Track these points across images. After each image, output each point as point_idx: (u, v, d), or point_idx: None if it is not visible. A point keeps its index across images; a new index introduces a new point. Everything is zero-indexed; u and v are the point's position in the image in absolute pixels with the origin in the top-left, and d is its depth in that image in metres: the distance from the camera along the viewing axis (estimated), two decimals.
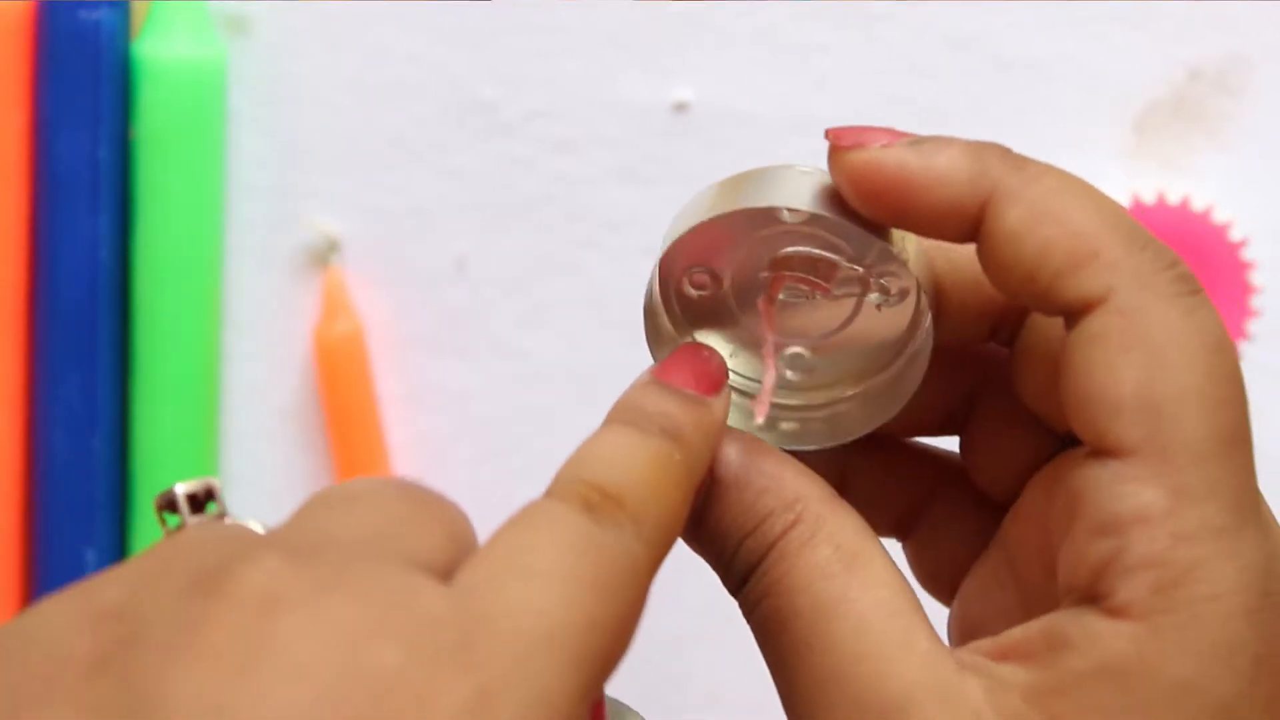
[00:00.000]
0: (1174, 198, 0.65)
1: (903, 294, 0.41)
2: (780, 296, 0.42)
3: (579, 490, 0.36)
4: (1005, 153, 0.41)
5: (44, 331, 0.65)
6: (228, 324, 0.67)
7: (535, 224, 0.67)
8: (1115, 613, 0.39)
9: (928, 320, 0.41)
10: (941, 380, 0.43)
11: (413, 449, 0.67)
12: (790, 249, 0.42)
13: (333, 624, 0.31)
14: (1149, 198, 0.65)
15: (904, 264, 0.40)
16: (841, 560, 0.39)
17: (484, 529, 0.71)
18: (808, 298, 0.42)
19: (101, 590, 0.32)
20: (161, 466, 0.65)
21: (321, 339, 0.67)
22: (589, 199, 0.67)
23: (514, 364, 0.67)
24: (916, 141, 0.41)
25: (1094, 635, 0.38)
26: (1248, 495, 0.40)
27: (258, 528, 0.36)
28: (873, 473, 0.44)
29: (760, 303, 0.42)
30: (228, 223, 0.66)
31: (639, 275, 0.67)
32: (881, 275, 0.41)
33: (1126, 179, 0.67)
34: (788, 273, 0.42)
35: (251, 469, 0.68)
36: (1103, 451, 0.39)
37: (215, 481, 0.38)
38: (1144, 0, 0.67)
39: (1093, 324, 0.39)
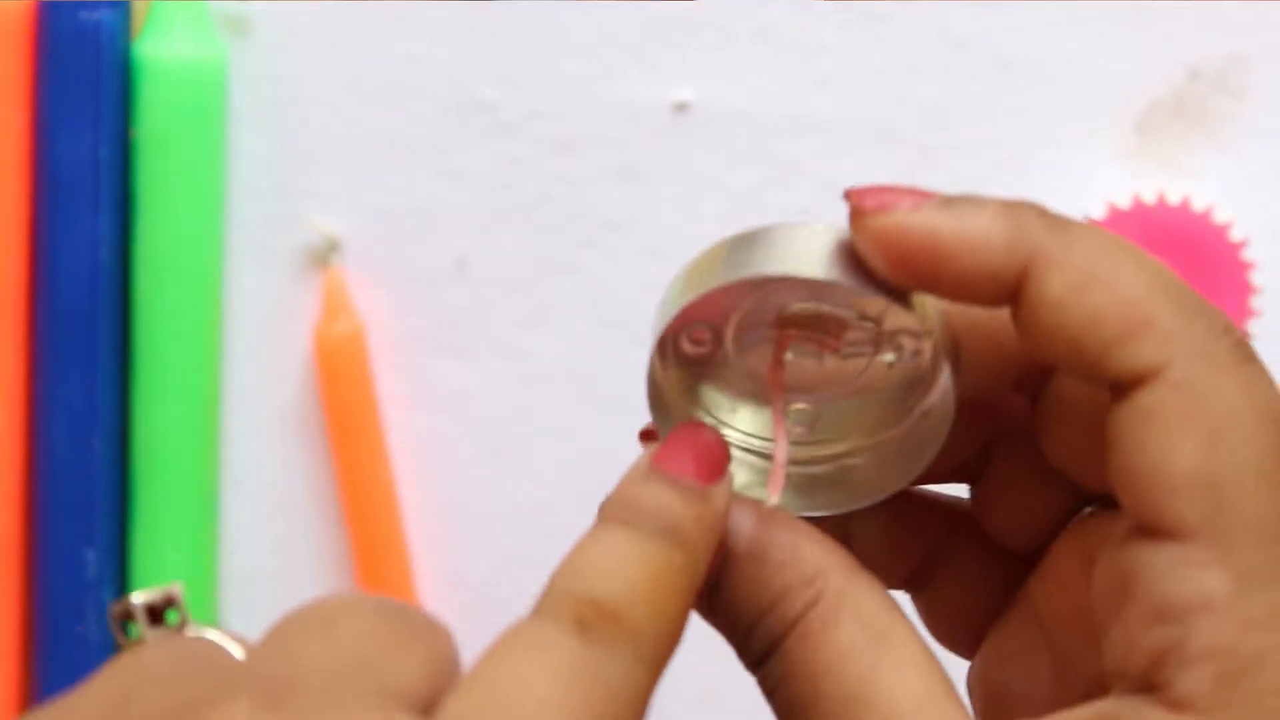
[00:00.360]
0: (1174, 198, 0.65)
1: (917, 354, 0.39)
2: (787, 355, 0.39)
3: (573, 608, 0.34)
4: (1043, 212, 0.39)
5: (44, 331, 0.65)
6: (228, 324, 0.67)
7: (535, 224, 0.67)
8: (1176, 706, 0.37)
9: (947, 378, 0.38)
10: (958, 429, 0.40)
11: (413, 449, 0.67)
12: (799, 306, 0.39)
13: None
14: (1149, 198, 0.65)
15: (928, 332, 0.38)
16: (868, 641, 0.37)
17: (484, 531, 0.71)
18: (816, 356, 0.40)
19: None
20: (161, 466, 0.65)
21: (321, 339, 0.67)
22: (589, 199, 0.67)
23: (514, 364, 0.67)
24: (947, 203, 0.38)
25: None
26: None
27: (226, 644, 0.34)
28: (880, 524, 0.42)
29: (768, 367, 0.39)
30: (228, 223, 0.66)
31: (639, 275, 0.67)
32: (896, 336, 0.39)
33: (1126, 179, 0.67)
34: (795, 330, 0.39)
35: (251, 469, 0.68)
36: (1158, 531, 0.37)
37: (176, 589, 0.36)
38: (1144, 0, 0.67)
39: (1148, 398, 0.37)
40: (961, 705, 0.37)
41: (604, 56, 0.67)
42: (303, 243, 0.67)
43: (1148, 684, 0.37)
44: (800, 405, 0.40)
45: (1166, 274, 0.38)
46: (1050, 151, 0.67)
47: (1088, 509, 0.41)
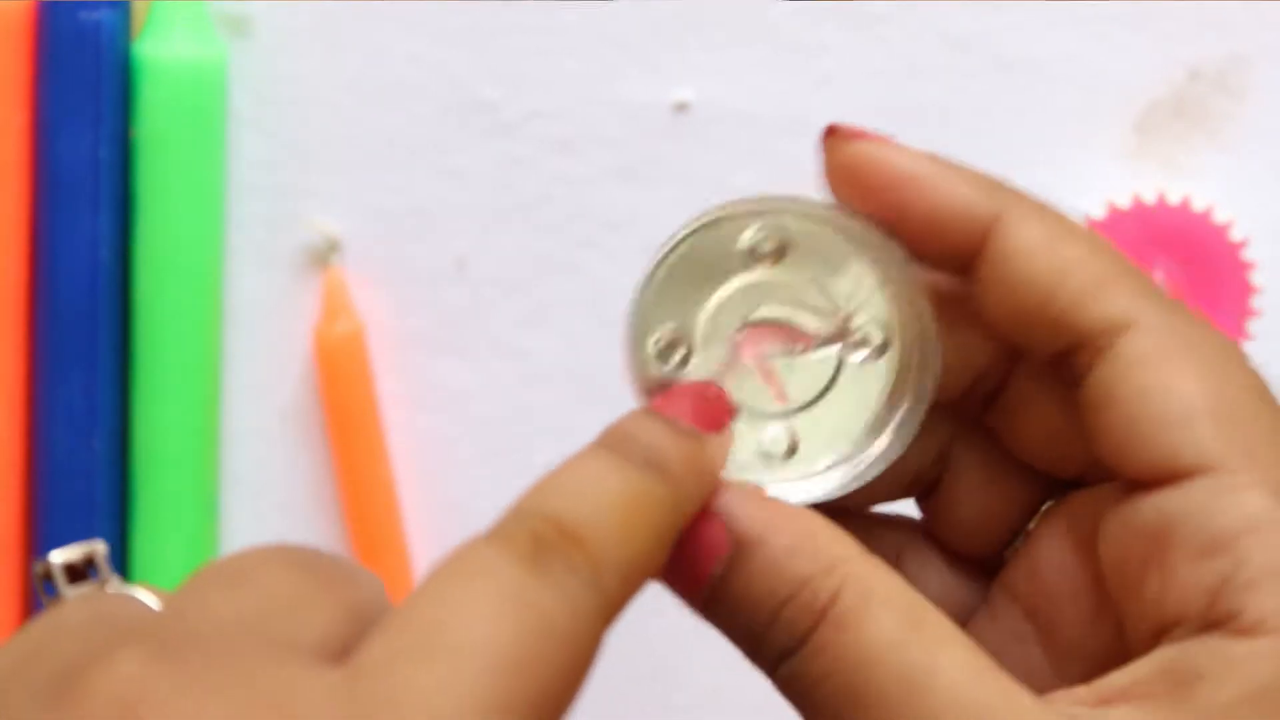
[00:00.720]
0: (1174, 198, 0.65)
1: (885, 348, 0.39)
2: (754, 359, 0.39)
3: (530, 527, 0.32)
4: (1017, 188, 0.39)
5: (44, 331, 0.65)
6: (228, 324, 0.67)
7: (535, 224, 0.67)
8: (1248, 631, 0.36)
9: (922, 363, 0.39)
10: (913, 445, 0.40)
11: (413, 449, 0.67)
12: (765, 311, 0.39)
13: None
14: (1149, 198, 0.65)
15: (898, 262, 0.38)
16: (909, 625, 0.35)
17: (481, 528, 0.71)
18: (786, 355, 0.39)
19: None
20: (161, 466, 0.65)
21: (321, 339, 0.67)
22: (589, 199, 0.67)
23: (514, 364, 0.67)
24: (926, 152, 0.39)
25: (1231, 661, 0.35)
26: None
27: (145, 598, 0.33)
28: None
29: (729, 356, 0.39)
30: (228, 223, 0.66)
31: (639, 275, 0.67)
32: (864, 332, 0.39)
33: (1127, 179, 0.67)
34: (761, 331, 0.39)
35: (251, 469, 0.68)
36: (1178, 471, 0.36)
37: (99, 547, 0.36)
38: (1144, 0, 0.67)
39: (1134, 345, 0.37)
40: (1006, 673, 0.36)
41: (604, 56, 0.67)
42: (303, 243, 0.67)
43: (1211, 621, 0.36)
44: (775, 429, 0.40)
45: (1116, 250, 0.38)
46: (1050, 151, 0.67)
47: (1046, 504, 0.40)
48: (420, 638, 0.30)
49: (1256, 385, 0.37)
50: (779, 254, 0.40)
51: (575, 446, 0.71)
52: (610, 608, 0.32)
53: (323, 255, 0.67)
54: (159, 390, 0.65)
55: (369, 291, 0.67)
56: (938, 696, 0.35)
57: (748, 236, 0.40)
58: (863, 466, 0.40)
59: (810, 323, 0.39)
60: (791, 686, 0.36)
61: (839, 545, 0.36)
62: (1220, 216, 0.65)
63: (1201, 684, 0.35)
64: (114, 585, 0.35)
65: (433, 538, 0.67)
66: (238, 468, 0.67)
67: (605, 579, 0.32)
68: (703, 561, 0.36)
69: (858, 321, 0.39)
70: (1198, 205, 0.65)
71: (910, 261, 0.39)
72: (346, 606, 0.31)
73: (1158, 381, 0.37)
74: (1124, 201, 0.65)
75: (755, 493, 0.37)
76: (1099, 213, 0.65)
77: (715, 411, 0.37)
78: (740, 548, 0.36)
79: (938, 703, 0.35)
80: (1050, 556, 0.40)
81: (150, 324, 0.65)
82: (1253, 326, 0.65)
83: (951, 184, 0.39)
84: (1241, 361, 0.38)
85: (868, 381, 0.40)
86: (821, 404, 0.40)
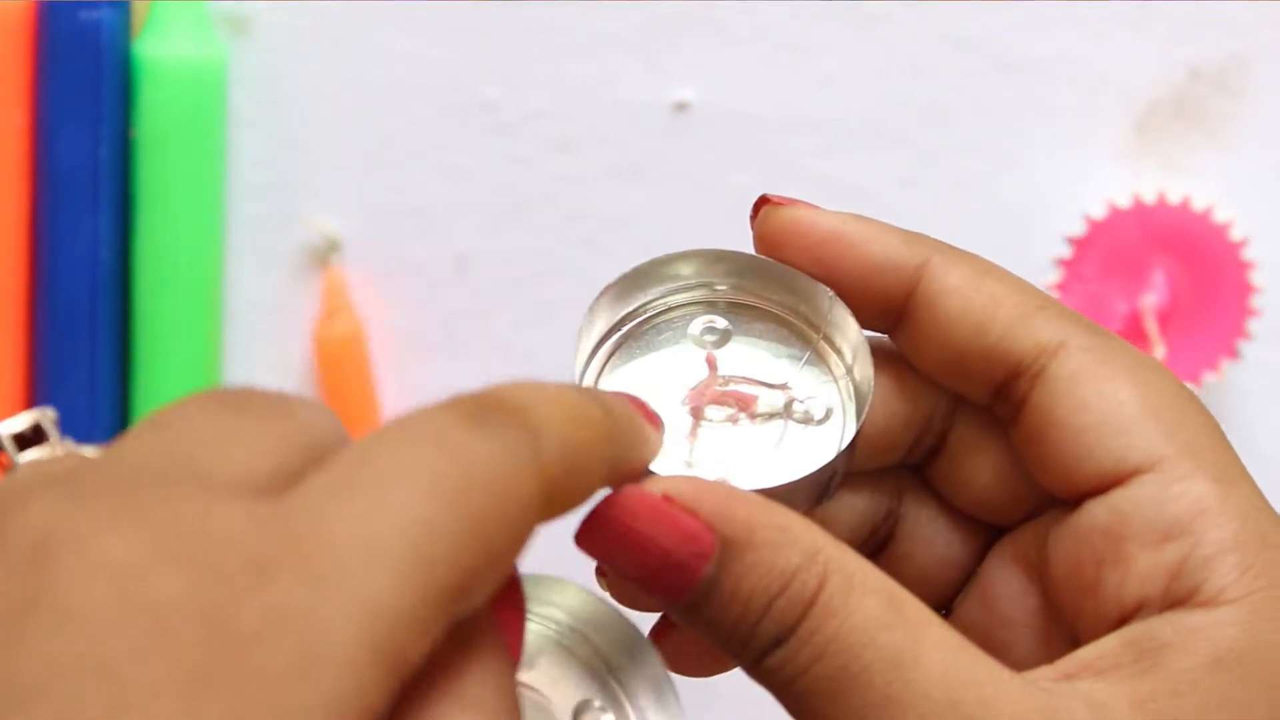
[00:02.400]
0: (1174, 198, 0.65)
1: (828, 414, 0.41)
2: (706, 419, 0.40)
3: (476, 397, 0.33)
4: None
5: (44, 331, 0.65)
6: (228, 324, 0.67)
7: (535, 224, 0.67)
8: (1209, 602, 0.38)
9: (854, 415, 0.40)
10: (863, 507, 0.42)
11: None
12: (716, 390, 0.41)
13: (108, 561, 0.29)
14: (1149, 197, 0.65)
15: (840, 315, 0.40)
16: (892, 608, 0.37)
17: None
18: (731, 423, 0.40)
19: None
20: None
21: (321, 339, 0.67)
22: (589, 199, 0.67)
23: (514, 364, 0.67)
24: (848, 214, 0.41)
25: (1195, 630, 0.38)
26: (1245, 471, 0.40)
27: (88, 453, 0.33)
28: None
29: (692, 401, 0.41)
30: (228, 223, 0.66)
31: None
32: (806, 397, 0.41)
33: (1127, 179, 0.67)
34: (716, 394, 0.41)
35: None
36: (1125, 474, 0.39)
37: (48, 413, 0.36)
38: (1144, 0, 0.67)
39: (1068, 365, 0.40)
40: (984, 651, 0.37)
41: (604, 56, 0.67)
42: (303, 242, 0.67)
43: (1173, 599, 0.38)
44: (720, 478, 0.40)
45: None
46: (1050, 151, 0.67)
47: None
48: (352, 472, 0.30)
49: (1184, 392, 0.40)
50: (726, 337, 0.42)
51: None
52: (545, 477, 0.32)
53: (323, 255, 0.67)
54: (159, 390, 0.65)
55: (369, 291, 0.67)
56: (925, 672, 0.36)
57: (699, 323, 0.42)
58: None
59: (759, 392, 0.41)
60: (776, 676, 0.37)
61: (816, 534, 0.37)
62: (1220, 216, 0.65)
63: (1166, 653, 0.37)
64: (60, 446, 0.35)
65: None
66: None
67: (543, 445, 0.32)
68: (693, 564, 0.37)
69: (801, 390, 0.41)
70: (1198, 205, 0.65)
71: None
72: (280, 441, 0.31)
73: (1095, 392, 0.39)
74: (1124, 201, 0.65)
75: (740, 494, 0.37)
76: (1099, 213, 0.65)
77: (652, 413, 0.38)
78: (728, 548, 0.37)
79: (925, 678, 0.36)
80: (1000, 587, 0.42)
81: (150, 324, 0.65)
82: (1253, 326, 0.65)
83: (877, 237, 0.41)
84: (1166, 373, 0.40)
85: (810, 450, 0.41)
86: (765, 467, 0.41)
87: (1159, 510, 0.39)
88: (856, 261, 0.40)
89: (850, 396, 0.41)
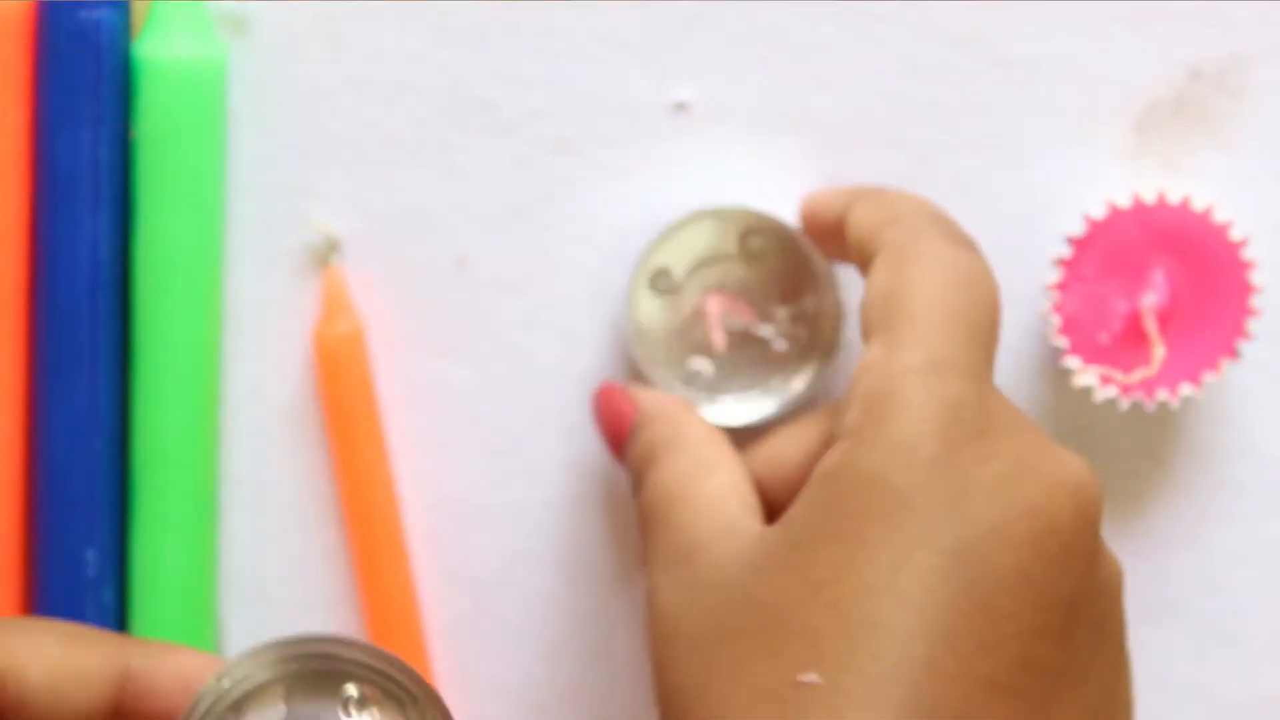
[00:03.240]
0: (1174, 198, 0.65)
1: (810, 342, 0.64)
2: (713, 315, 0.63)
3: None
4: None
5: (44, 331, 0.65)
6: (228, 324, 0.67)
7: (535, 224, 0.67)
8: (840, 438, 0.52)
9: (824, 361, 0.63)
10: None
11: (413, 449, 0.67)
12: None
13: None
14: (1149, 198, 0.65)
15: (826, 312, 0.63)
16: (694, 463, 0.56)
17: (484, 531, 0.71)
18: (737, 322, 0.63)
19: None
20: (161, 466, 0.65)
21: (321, 339, 0.67)
22: (589, 199, 0.67)
23: (514, 364, 0.67)
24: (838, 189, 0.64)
25: (824, 457, 0.52)
26: (959, 357, 0.52)
27: None
28: None
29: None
30: (228, 223, 0.66)
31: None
32: (796, 324, 0.63)
33: (1127, 179, 0.67)
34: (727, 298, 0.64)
35: (251, 469, 0.68)
36: (867, 338, 0.54)
37: None
38: (1144, 0, 0.67)
39: (878, 258, 0.55)
40: (752, 500, 0.55)
41: (604, 56, 0.67)
42: (303, 243, 0.67)
43: (841, 432, 0.52)
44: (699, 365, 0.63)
45: (938, 209, 0.59)
46: (1050, 151, 0.67)
47: None
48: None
49: (932, 284, 0.53)
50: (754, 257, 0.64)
51: (575, 446, 0.71)
52: None
53: (323, 255, 0.67)
54: (159, 391, 0.65)
55: (369, 291, 0.67)
56: (690, 508, 0.55)
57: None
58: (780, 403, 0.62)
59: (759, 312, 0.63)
60: (639, 504, 0.57)
61: (681, 418, 0.58)
62: (1220, 216, 0.65)
63: (811, 478, 0.52)
64: None
65: (433, 538, 0.67)
66: (238, 468, 0.67)
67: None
68: (621, 430, 0.60)
69: (800, 311, 0.63)
70: (1198, 205, 0.65)
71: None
72: None
73: (869, 280, 0.55)
74: (1124, 201, 0.65)
75: (656, 394, 0.61)
76: (1099, 213, 0.65)
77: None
78: (638, 423, 0.59)
79: (698, 506, 0.54)
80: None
81: (150, 324, 0.65)
82: (1253, 326, 0.65)
83: (828, 201, 0.61)
84: (940, 268, 0.54)
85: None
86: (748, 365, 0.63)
87: (854, 370, 0.53)
88: (815, 218, 0.61)
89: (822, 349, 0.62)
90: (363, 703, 0.46)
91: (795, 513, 0.51)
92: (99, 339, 0.65)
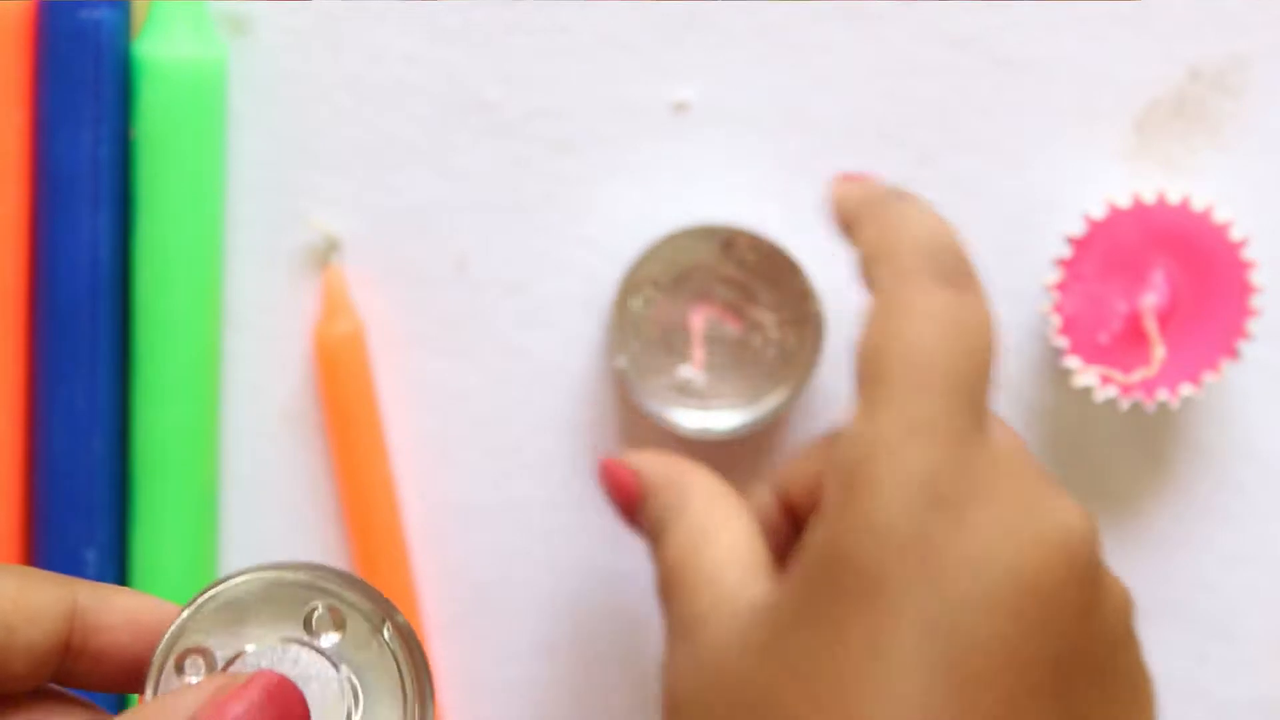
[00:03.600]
0: (1174, 198, 0.65)
1: (799, 342, 0.66)
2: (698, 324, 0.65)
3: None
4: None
5: (44, 331, 0.65)
6: (228, 324, 0.67)
7: (535, 224, 0.67)
8: (820, 513, 0.51)
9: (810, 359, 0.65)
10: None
11: (413, 449, 0.67)
12: (721, 293, 0.65)
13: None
14: (1149, 197, 0.65)
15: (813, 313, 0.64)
16: (699, 533, 0.56)
17: (484, 530, 0.71)
18: (720, 329, 0.65)
19: None
20: (161, 466, 0.65)
21: (321, 339, 0.67)
22: (589, 199, 0.67)
23: (514, 364, 0.67)
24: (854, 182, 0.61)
25: (806, 533, 0.51)
26: (938, 419, 0.50)
27: None
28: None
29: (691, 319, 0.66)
30: (228, 223, 0.66)
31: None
32: (782, 327, 0.65)
33: (1127, 179, 0.67)
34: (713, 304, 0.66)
35: (251, 469, 0.68)
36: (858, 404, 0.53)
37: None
38: (1144, 0, 0.67)
39: (870, 304, 0.53)
40: (756, 558, 0.55)
41: (604, 56, 0.67)
42: (303, 242, 0.67)
43: (821, 507, 0.52)
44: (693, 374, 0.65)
45: (944, 234, 0.55)
46: (1050, 151, 0.67)
47: None
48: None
49: (916, 340, 0.52)
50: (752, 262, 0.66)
51: (575, 446, 0.71)
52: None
53: (323, 255, 0.67)
54: (159, 390, 0.65)
55: (369, 291, 0.67)
56: (701, 570, 0.55)
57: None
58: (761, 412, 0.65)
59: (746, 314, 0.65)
60: (655, 565, 0.57)
61: (687, 486, 0.58)
62: (1220, 216, 0.65)
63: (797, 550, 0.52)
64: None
65: (433, 538, 0.67)
66: (238, 468, 0.67)
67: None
68: (630, 501, 0.60)
69: (784, 314, 0.65)
70: (1198, 205, 0.65)
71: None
72: None
73: (862, 331, 0.53)
74: (1124, 201, 0.65)
75: (657, 457, 0.60)
76: (1099, 213, 0.65)
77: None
78: (646, 493, 0.59)
79: (697, 581, 0.55)
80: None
81: (150, 324, 0.65)
82: (1252, 326, 0.65)
83: (845, 190, 0.60)
84: (925, 322, 0.52)
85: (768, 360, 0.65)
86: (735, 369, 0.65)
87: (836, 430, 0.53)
88: (833, 207, 0.60)
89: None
90: (328, 623, 0.46)
91: (783, 592, 0.51)
92: (99, 339, 0.65)
